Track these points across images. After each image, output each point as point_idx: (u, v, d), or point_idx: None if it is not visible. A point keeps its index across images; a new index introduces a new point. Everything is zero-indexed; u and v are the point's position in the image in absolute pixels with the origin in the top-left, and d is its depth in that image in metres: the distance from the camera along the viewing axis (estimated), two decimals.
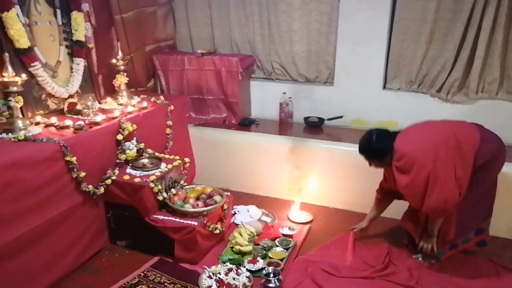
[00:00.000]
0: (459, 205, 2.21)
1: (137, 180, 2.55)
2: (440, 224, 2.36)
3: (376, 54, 3.47)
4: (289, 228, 2.90)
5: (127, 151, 2.74)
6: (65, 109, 2.82)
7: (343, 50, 3.57)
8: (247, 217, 3.05)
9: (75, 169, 2.35)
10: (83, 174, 2.39)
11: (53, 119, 2.59)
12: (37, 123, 2.55)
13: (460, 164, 2.17)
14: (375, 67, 3.51)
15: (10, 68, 2.28)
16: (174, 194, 2.69)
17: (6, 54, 2.28)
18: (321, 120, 3.71)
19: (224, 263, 2.49)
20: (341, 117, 3.64)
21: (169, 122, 3.21)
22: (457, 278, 2.39)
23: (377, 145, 2.38)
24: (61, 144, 2.27)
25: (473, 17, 3.08)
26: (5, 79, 2.26)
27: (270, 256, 2.58)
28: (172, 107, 3.23)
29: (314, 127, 3.70)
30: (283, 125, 3.81)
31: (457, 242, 2.48)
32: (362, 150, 2.45)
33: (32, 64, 2.55)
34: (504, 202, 2.80)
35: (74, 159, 2.32)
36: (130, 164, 2.73)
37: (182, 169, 2.93)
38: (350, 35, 3.50)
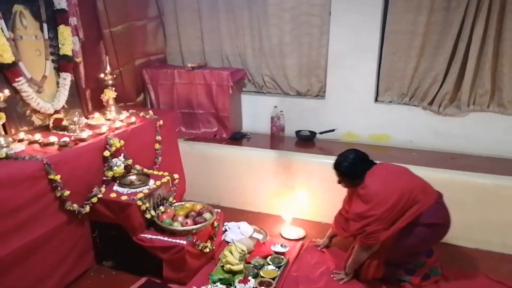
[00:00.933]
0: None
1: (124, 198, 2.48)
2: (358, 265, 2.43)
3: (368, 67, 3.46)
4: (281, 245, 2.84)
5: (114, 168, 2.67)
6: (51, 125, 2.75)
7: (335, 63, 3.56)
8: (238, 234, 2.98)
9: (59, 188, 2.27)
10: (67, 192, 2.31)
11: (37, 136, 2.52)
12: (21, 140, 2.48)
13: (402, 218, 2.28)
14: (367, 80, 3.50)
15: None
16: (162, 212, 2.62)
17: None
18: (313, 133, 3.68)
19: (214, 283, 2.42)
20: (333, 130, 3.61)
21: (158, 137, 3.15)
22: None
23: (352, 167, 2.41)
24: (44, 162, 2.20)
25: (463, 30, 3.09)
26: None
27: (262, 275, 2.51)
28: (161, 122, 3.17)
29: (306, 141, 3.66)
30: (275, 139, 3.77)
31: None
32: (336, 167, 2.49)
33: (16, 80, 2.48)
34: (498, 217, 2.78)
35: (58, 177, 2.24)
36: (117, 181, 2.65)
37: (171, 185, 2.86)
38: (341, 48, 3.49)
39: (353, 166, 2.40)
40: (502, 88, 3.11)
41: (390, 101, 3.54)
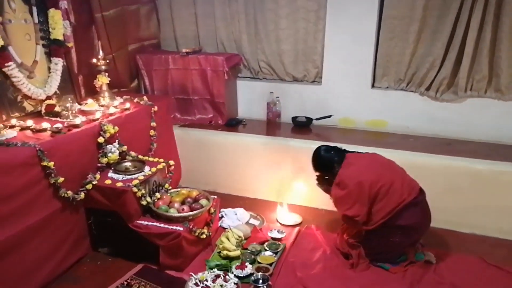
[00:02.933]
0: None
1: (119, 184, 2.45)
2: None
3: (364, 53, 3.42)
4: (278, 231, 2.84)
5: (109, 154, 2.63)
6: (43, 111, 2.70)
7: (331, 48, 3.51)
8: (235, 220, 2.97)
9: (52, 175, 2.24)
10: (61, 179, 2.28)
11: (30, 122, 2.47)
12: (12, 126, 2.43)
13: (381, 202, 2.36)
14: (363, 65, 3.46)
15: None
16: (158, 199, 2.59)
17: None
18: (309, 119, 3.65)
19: (211, 269, 2.40)
20: (329, 116, 3.59)
21: (153, 124, 3.11)
22: (450, 277, 2.37)
23: (324, 158, 2.60)
24: (37, 149, 2.16)
25: (461, 15, 3.05)
26: None
27: (259, 260, 2.50)
28: (156, 108, 3.13)
29: (302, 127, 3.63)
30: (271, 125, 3.74)
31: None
32: (314, 166, 2.67)
33: (6, 64, 2.43)
34: (494, 202, 2.79)
35: (51, 164, 2.21)
36: (112, 168, 2.62)
37: (166, 172, 2.83)
38: (338, 34, 3.44)
39: (322, 160, 2.61)
40: (499, 74, 3.09)
41: (387, 87, 3.52)
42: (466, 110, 3.25)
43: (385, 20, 3.34)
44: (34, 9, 2.68)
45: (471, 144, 3.17)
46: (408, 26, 3.25)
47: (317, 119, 3.61)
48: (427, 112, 3.38)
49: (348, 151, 2.63)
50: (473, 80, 3.19)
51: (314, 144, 3.16)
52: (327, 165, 2.59)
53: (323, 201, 3.18)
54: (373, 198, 2.36)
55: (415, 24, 3.22)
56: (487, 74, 3.13)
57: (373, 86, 3.55)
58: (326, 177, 2.66)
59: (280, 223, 3.02)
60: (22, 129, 2.43)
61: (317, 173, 2.69)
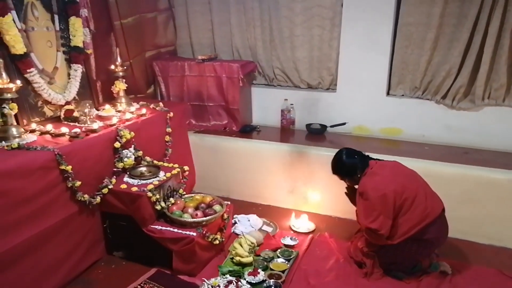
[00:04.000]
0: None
1: (134, 189, 2.48)
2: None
3: (380, 60, 3.41)
4: (291, 238, 2.83)
5: (125, 159, 2.67)
6: (62, 116, 2.76)
7: (346, 56, 3.51)
8: (248, 226, 2.97)
9: (70, 178, 2.28)
10: (78, 183, 2.32)
11: (49, 127, 2.53)
12: (32, 131, 2.50)
13: (406, 215, 2.31)
14: (379, 73, 3.45)
15: (4, 75, 2.22)
16: (172, 204, 2.62)
17: (1, 60, 2.23)
18: (323, 127, 3.64)
19: (224, 275, 2.41)
20: (344, 124, 3.57)
21: (169, 129, 3.15)
22: None
23: (341, 165, 2.54)
24: (56, 153, 2.21)
25: (479, 23, 3.02)
26: None
27: (271, 267, 2.50)
28: (171, 114, 3.17)
29: (316, 134, 3.63)
30: (285, 132, 3.74)
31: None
32: (332, 170, 2.59)
33: (28, 70, 2.50)
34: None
35: (69, 167, 2.25)
36: (128, 173, 2.66)
37: (181, 177, 2.86)
38: (353, 41, 3.44)
39: (344, 164, 2.52)
40: None
41: (402, 95, 3.49)
42: (483, 119, 3.20)
43: (401, 27, 3.33)
44: (56, 17, 2.75)
45: (488, 153, 3.11)
46: (425, 34, 3.23)
47: (331, 126, 3.61)
48: (443, 121, 3.34)
49: (372, 158, 2.55)
50: (491, 89, 3.14)
51: (328, 152, 3.16)
52: (348, 170, 2.51)
53: (336, 208, 3.18)
54: (397, 211, 2.30)
55: (431, 32, 3.19)
56: (505, 82, 3.08)
57: (388, 94, 3.52)
58: (346, 183, 2.60)
59: (293, 230, 3.01)
60: (42, 133, 2.49)
61: (342, 179, 2.60)
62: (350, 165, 2.50)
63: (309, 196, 3.25)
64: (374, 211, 2.30)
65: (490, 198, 2.76)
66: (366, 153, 2.60)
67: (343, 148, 2.60)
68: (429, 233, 2.30)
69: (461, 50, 3.14)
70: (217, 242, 2.58)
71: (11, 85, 2.23)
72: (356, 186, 2.51)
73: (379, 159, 2.57)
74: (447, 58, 3.22)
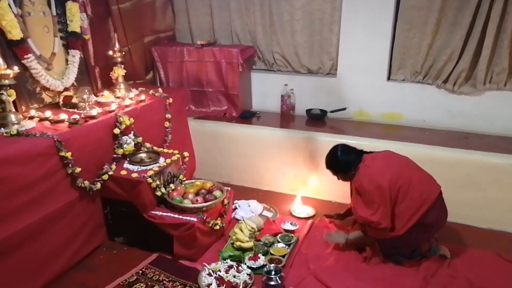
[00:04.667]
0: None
1: (134, 175, 2.48)
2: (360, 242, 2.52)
3: (381, 44, 3.37)
4: (291, 223, 2.84)
5: (125, 146, 2.67)
6: (61, 102, 2.75)
7: (347, 40, 3.47)
8: (248, 212, 2.99)
9: (70, 165, 2.28)
10: (78, 169, 2.32)
11: (48, 113, 2.52)
12: (31, 117, 2.48)
13: (402, 205, 2.30)
14: (379, 57, 3.42)
15: (1, 61, 2.20)
16: (173, 190, 2.62)
17: None
18: (323, 112, 3.63)
19: (225, 260, 2.43)
20: (344, 109, 3.56)
21: (168, 115, 3.14)
22: (465, 272, 2.34)
23: (337, 161, 2.52)
24: (55, 139, 2.20)
25: (481, 6, 2.98)
26: None
27: (272, 252, 2.52)
28: (171, 100, 3.16)
29: (317, 120, 3.61)
30: (285, 117, 3.73)
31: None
32: (326, 166, 2.58)
33: (25, 56, 2.47)
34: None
35: (68, 154, 2.25)
36: (128, 159, 2.66)
37: (181, 163, 2.86)
38: (354, 25, 3.40)
39: (338, 160, 2.51)
40: None
41: (403, 80, 3.47)
42: (484, 103, 3.18)
43: (402, 10, 3.28)
44: (52, 1, 2.71)
45: (489, 138, 3.11)
46: (426, 17, 3.19)
47: (331, 111, 3.59)
48: (444, 105, 3.32)
49: (366, 152, 2.52)
50: (493, 73, 3.11)
51: (328, 137, 3.17)
52: (343, 167, 2.50)
53: (336, 194, 3.19)
54: (394, 199, 2.29)
55: (433, 15, 3.15)
56: (507, 67, 3.05)
57: (389, 78, 3.50)
58: (339, 179, 2.58)
59: (293, 215, 3.02)
60: (41, 120, 2.48)
61: (334, 175, 2.58)
62: (344, 161, 2.48)
63: (309, 181, 3.26)
64: (373, 203, 2.30)
65: (490, 183, 2.76)
66: (361, 148, 2.58)
67: (339, 144, 2.58)
68: (428, 217, 2.30)
69: (463, 34, 3.10)
70: (217, 227, 2.60)
71: (8, 71, 2.21)
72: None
73: (372, 152, 2.53)
74: (449, 42, 3.18)
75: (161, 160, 2.69)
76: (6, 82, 2.22)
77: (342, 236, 2.57)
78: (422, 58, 3.31)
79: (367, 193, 2.33)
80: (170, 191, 2.60)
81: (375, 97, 3.51)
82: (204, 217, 2.49)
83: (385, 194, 2.28)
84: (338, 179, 2.58)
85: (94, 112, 2.61)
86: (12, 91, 2.28)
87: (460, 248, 2.57)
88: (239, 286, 2.20)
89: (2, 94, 2.24)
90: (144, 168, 2.57)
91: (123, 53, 3.17)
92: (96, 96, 3.00)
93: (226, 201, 2.74)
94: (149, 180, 2.46)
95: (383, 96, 3.49)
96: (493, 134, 3.16)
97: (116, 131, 2.62)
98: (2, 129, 2.22)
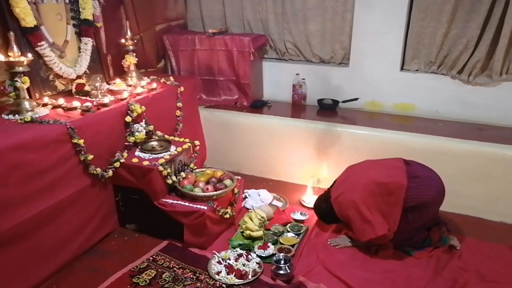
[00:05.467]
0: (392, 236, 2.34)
1: (146, 163, 2.50)
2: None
3: (394, 34, 3.32)
4: (301, 213, 2.84)
5: (136, 134, 2.69)
6: (73, 90, 2.77)
7: (360, 29, 3.42)
8: (258, 201, 2.99)
9: (82, 152, 2.31)
10: (90, 156, 2.35)
11: (61, 100, 2.54)
12: (45, 104, 2.51)
13: (385, 204, 2.30)
14: (393, 47, 3.36)
15: (15, 48, 2.21)
16: (183, 178, 2.64)
17: (11, 33, 2.22)
18: (335, 102, 3.60)
19: (234, 248, 2.45)
20: (356, 99, 3.52)
21: (179, 104, 3.14)
22: (476, 265, 2.33)
23: (322, 212, 2.65)
24: (68, 126, 2.22)
25: None
26: (11, 59, 2.20)
27: (281, 241, 2.53)
28: (182, 89, 3.16)
29: (328, 110, 3.59)
30: (296, 107, 3.71)
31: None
32: (325, 222, 2.70)
33: (39, 44, 2.48)
34: None
35: (81, 141, 2.27)
36: (139, 147, 2.68)
37: (192, 152, 2.87)
38: (367, 13, 3.34)
39: (323, 216, 2.67)
40: None
41: (417, 70, 3.41)
42: (500, 95, 3.12)
43: None
44: None
45: (503, 130, 3.06)
46: (442, 5, 3.12)
47: (343, 101, 3.56)
48: (458, 96, 3.27)
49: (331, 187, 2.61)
50: (510, 63, 3.05)
51: (340, 127, 3.16)
52: (329, 217, 2.59)
53: None
54: (374, 205, 2.31)
55: (449, 3, 3.08)
56: None
57: (402, 68, 3.45)
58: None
59: (303, 205, 3.02)
60: (54, 107, 2.50)
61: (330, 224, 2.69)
62: (325, 212, 2.61)
63: (319, 171, 3.25)
64: (363, 221, 2.32)
65: (504, 175, 2.72)
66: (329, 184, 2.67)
67: (314, 205, 2.73)
68: (414, 200, 2.27)
69: (479, 23, 3.03)
70: (227, 216, 2.61)
71: (22, 59, 2.23)
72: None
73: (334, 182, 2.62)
74: (465, 31, 3.11)
75: (172, 148, 2.71)
76: (20, 69, 2.23)
77: (346, 240, 2.56)
78: (437, 47, 3.25)
79: (352, 216, 2.36)
80: (181, 179, 2.62)
81: (388, 87, 3.47)
82: (214, 206, 2.50)
83: (362, 209, 2.31)
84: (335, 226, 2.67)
85: (106, 100, 2.63)
86: (26, 78, 2.30)
87: (471, 240, 2.55)
88: (249, 274, 2.22)
89: (17, 81, 2.25)
90: (155, 156, 2.59)
91: (135, 41, 3.18)
92: (108, 84, 3.01)
93: (236, 190, 2.75)
94: (160, 168, 2.48)
95: (396, 86, 3.44)
96: (508, 126, 3.10)
97: (128, 119, 2.64)
98: (17, 115, 2.25)
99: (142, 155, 2.60)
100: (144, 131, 2.74)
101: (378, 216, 2.30)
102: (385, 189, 2.30)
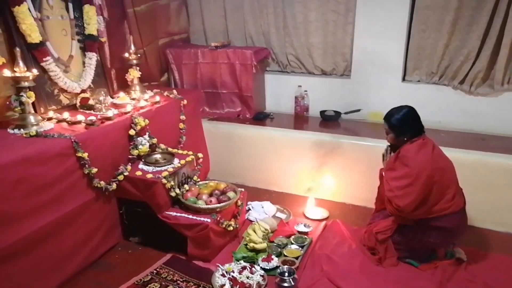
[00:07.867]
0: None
1: (149, 176, 2.51)
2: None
3: (395, 45, 3.34)
4: (304, 225, 2.83)
5: (140, 147, 2.70)
6: (78, 104, 2.80)
7: (361, 41, 3.45)
8: (262, 213, 2.99)
9: (86, 165, 2.32)
10: (95, 170, 2.36)
11: (66, 114, 2.57)
12: (50, 119, 2.54)
13: (434, 195, 2.27)
14: (394, 58, 3.39)
15: (21, 63, 2.25)
16: (187, 190, 2.64)
17: (18, 49, 2.26)
18: (337, 113, 3.61)
19: (238, 261, 2.44)
20: (358, 110, 3.54)
21: (183, 117, 3.17)
22: (483, 277, 2.31)
23: (402, 121, 2.38)
24: (72, 140, 2.24)
25: (500, 4, 2.93)
26: (17, 74, 2.24)
27: (285, 254, 2.51)
28: (185, 102, 3.19)
29: (331, 121, 3.60)
30: (299, 119, 3.73)
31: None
32: (387, 118, 2.46)
33: (44, 59, 2.53)
34: None
35: (85, 155, 2.29)
36: (143, 160, 2.69)
37: (195, 164, 2.88)
38: (368, 25, 3.38)
39: (402, 121, 2.37)
40: None
41: (419, 81, 3.43)
42: (502, 104, 3.13)
43: (417, 10, 3.25)
44: (70, 5, 2.77)
45: (506, 140, 3.05)
46: (442, 17, 3.15)
47: (345, 113, 3.57)
48: (460, 107, 3.27)
49: (424, 131, 2.42)
50: (511, 73, 3.06)
51: (342, 139, 3.16)
52: (401, 127, 2.38)
53: (350, 196, 3.17)
54: (427, 193, 2.26)
55: (449, 15, 3.11)
56: None
57: (404, 79, 3.47)
58: (387, 139, 2.49)
59: (306, 217, 3.01)
60: (59, 121, 2.53)
61: (387, 131, 2.47)
62: (408, 125, 2.37)
63: (323, 183, 3.25)
64: (408, 181, 2.26)
65: (507, 186, 2.71)
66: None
67: (411, 106, 2.43)
68: (448, 222, 2.28)
69: (480, 34, 3.05)
70: (231, 228, 2.61)
71: (28, 74, 2.27)
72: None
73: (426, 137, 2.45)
74: (466, 42, 3.14)
75: (176, 161, 2.72)
76: (26, 84, 2.27)
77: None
78: (438, 58, 3.28)
79: (408, 168, 2.28)
80: (184, 192, 2.63)
81: (390, 98, 3.45)
82: (218, 218, 2.50)
83: (420, 183, 2.22)
84: (387, 134, 2.47)
85: (110, 113, 2.65)
86: (32, 93, 2.33)
87: (477, 252, 2.53)
88: (253, 287, 2.21)
89: (22, 96, 2.29)
90: (158, 169, 2.60)
91: (139, 55, 3.22)
92: (112, 97, 3.04)
93: (239, 202, 2.75)
94: (164, 180, 2.48)
95: (398, 97, 3.43)
96: (511, 136, 3.10)
97: (132, 132, 2.66)
98: (22, 130, 2.27)
99: (145, 168, 2.62)
100: (148, 144, 2.76)
101: (415, 195, 2.23)
102: (447, 195, 2.28)
